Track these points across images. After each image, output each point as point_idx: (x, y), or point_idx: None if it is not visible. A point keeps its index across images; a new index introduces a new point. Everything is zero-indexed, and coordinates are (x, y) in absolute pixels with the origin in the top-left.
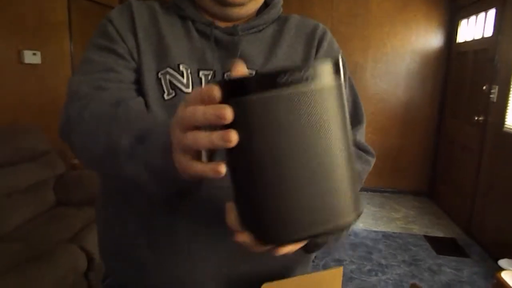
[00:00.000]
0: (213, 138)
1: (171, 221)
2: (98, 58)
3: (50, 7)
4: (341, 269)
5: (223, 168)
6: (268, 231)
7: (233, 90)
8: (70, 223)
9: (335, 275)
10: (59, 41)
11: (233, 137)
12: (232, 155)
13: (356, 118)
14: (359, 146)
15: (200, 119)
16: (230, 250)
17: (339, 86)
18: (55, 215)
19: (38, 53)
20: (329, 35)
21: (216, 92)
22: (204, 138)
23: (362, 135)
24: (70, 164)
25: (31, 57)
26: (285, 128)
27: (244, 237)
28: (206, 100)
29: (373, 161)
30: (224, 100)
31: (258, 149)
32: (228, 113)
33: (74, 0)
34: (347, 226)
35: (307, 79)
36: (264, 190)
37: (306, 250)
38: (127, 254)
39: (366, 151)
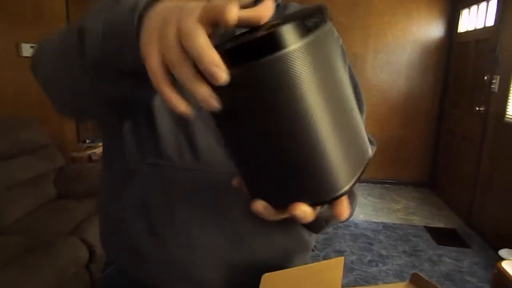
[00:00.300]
0: (202, 96)
1: (169, 207)
2: None
3: (48, 0)
4: (342, 259)
5: (187, 109)
6: (328, 187)
7: (257, 50)
8: (71, 216)
9: (336, 265)
10: None
11: (217, 107)
12: (247, 126)
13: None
14: None
15: (192, 54)
16: (228, 235)
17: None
18: (56, 207)
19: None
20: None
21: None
22: (202, 92)
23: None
24: (70, 157)
25: (29, 50)
26: (314, 79)
27: (302, 208)
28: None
29: (374, 149)
30: (238, 63)
31: (290, 113)
32: (225, 78)
33: None
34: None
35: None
36: (311, 150)
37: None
38: (126, 242)
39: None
